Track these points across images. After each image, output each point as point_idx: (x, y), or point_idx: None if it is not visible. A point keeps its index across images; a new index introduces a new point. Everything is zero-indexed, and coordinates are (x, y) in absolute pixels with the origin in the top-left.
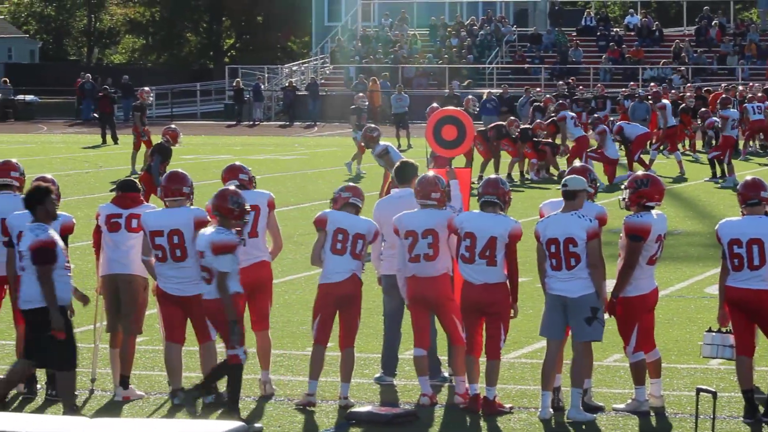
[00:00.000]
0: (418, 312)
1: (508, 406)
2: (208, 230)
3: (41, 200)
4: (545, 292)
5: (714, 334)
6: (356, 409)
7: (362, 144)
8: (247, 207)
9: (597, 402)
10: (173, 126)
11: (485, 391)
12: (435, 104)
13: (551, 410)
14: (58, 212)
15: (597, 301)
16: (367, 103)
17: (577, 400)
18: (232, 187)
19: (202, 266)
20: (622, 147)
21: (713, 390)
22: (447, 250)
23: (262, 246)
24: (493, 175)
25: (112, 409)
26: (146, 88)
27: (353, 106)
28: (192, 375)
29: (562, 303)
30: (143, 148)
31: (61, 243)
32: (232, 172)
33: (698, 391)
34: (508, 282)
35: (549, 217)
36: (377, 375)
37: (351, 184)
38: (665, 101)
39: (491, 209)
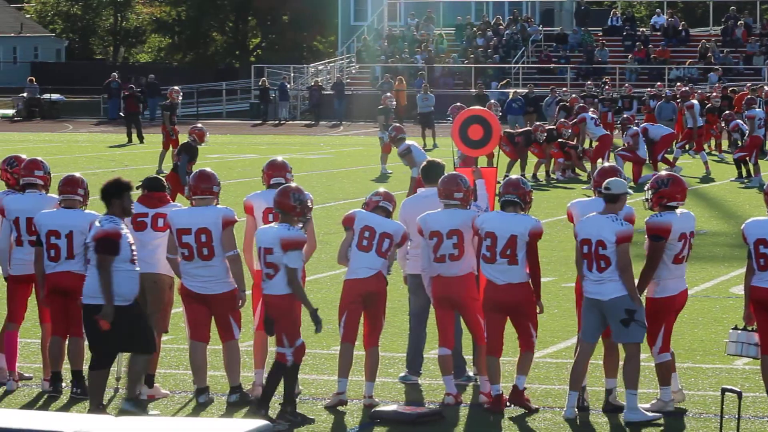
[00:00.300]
0: (443, 311)
1: (534, 406)
2: (274, 226)
3: (119, 195)
4: (582, 294)
5: (739, 332)
6: (381, 408)
7: (389, 143)
8: (309, 204)
9: (622, 401)
10: (200, 125)
11: (515, 380)
12: (458, 103)
13: (576, 410)
14: (86, 211)
15: (631, 303)
16: (395, 103)
17: (634, 402)
18: (293, 184)
19: (267, 262)
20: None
21: (738, 390)
22: (472, 249)
23: None
24: (514, 176)
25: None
26: (176, 88)
27: (381, 107)
28: (216, 374)
29: (597, 306)
30: (172, 147)
31: (129, 238)
32: (277, 169)
33: (723, 391)
34: (530, 281)
35: (587, 218)
36: (402, 374)
37: (383, 189)
38: (694, 101)
39: (512, 209)
